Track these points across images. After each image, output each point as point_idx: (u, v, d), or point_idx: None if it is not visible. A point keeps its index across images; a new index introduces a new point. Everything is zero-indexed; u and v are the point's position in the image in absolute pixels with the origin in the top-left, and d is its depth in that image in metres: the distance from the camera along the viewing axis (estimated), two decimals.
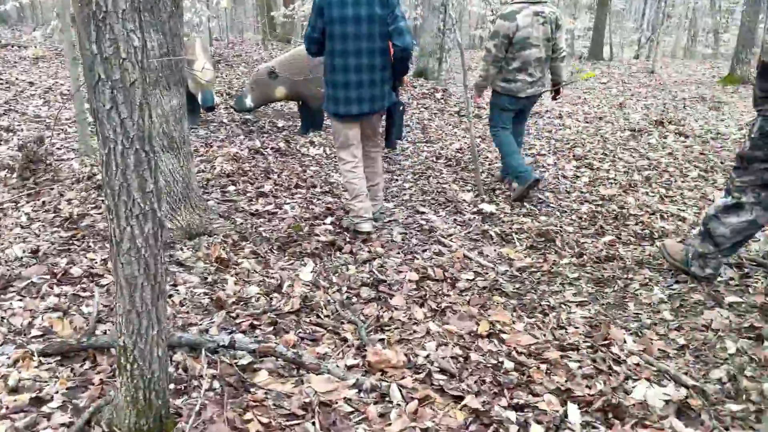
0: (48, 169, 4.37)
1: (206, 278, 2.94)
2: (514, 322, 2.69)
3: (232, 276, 2.98)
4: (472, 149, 4.64)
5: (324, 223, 3.81)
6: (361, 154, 3.69)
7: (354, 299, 2.89)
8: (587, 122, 7.67)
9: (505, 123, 4.55)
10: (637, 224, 4.03)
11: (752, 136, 2.82)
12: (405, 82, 3.89)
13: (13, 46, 10.76)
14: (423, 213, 4.18)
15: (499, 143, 4.58)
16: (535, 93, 4.47)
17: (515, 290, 3.07)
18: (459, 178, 5.02)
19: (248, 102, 5.99)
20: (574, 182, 4.99)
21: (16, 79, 7.76)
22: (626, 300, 3.00)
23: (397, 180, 4.96)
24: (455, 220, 4.09)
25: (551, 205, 4.43)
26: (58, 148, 5.06)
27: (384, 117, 3.81)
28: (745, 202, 2.90)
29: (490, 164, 5.48)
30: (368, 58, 3.39)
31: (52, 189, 4.07)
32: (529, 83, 4.36)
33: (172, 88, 3.20)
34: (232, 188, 4.31)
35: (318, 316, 2.67)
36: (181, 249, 3.22)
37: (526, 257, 3.48)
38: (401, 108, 3.81)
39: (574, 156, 5.78)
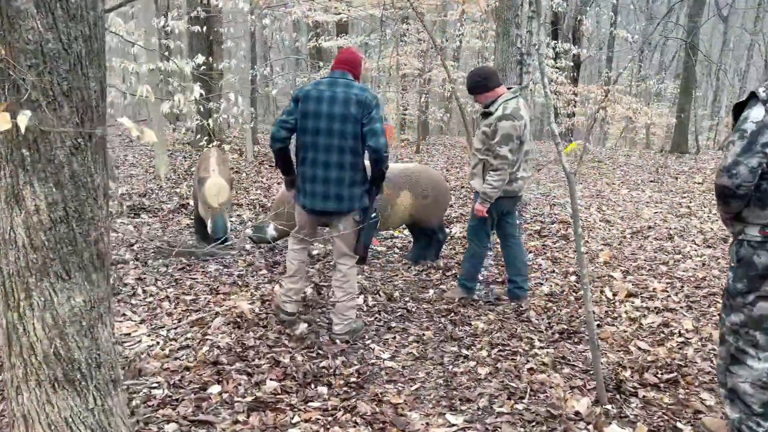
0: None
1: None
2: None
3: None
4: (589, 320, 3.03)
5: None
6: (308, 244, 3.69)
7: None
8: (709, 246, 5.93)
9: (488, 232, 4.18)
10: None
11: (731, 265, 2.44)
12: None
13: None
14: None
15: (474, 258, 4.18)
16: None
17: None
18: (560, 357, 3.38)
19: (270, 231, 4.63)
20: None
21: None
22: None
23: (466, 358, 3.37)
24: None
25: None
26: None
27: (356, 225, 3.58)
28: (743, 347, 2.38)
29: (596, 321, 3.82)
30: (338, 155, 3.33)
31: None
32: (526, 179, 4.08)
33: (75, 275, 1.80)
34: (216, 390, 2.82)
35: None
36: None
37: None
38: (373, 215, 3.69)
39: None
